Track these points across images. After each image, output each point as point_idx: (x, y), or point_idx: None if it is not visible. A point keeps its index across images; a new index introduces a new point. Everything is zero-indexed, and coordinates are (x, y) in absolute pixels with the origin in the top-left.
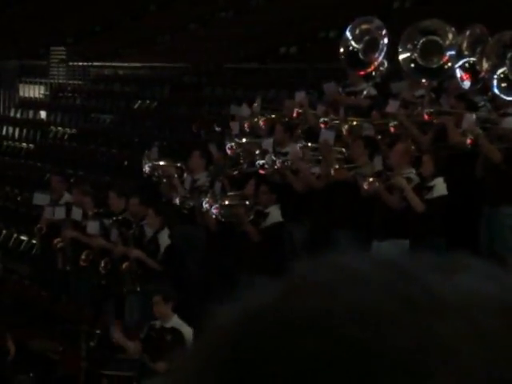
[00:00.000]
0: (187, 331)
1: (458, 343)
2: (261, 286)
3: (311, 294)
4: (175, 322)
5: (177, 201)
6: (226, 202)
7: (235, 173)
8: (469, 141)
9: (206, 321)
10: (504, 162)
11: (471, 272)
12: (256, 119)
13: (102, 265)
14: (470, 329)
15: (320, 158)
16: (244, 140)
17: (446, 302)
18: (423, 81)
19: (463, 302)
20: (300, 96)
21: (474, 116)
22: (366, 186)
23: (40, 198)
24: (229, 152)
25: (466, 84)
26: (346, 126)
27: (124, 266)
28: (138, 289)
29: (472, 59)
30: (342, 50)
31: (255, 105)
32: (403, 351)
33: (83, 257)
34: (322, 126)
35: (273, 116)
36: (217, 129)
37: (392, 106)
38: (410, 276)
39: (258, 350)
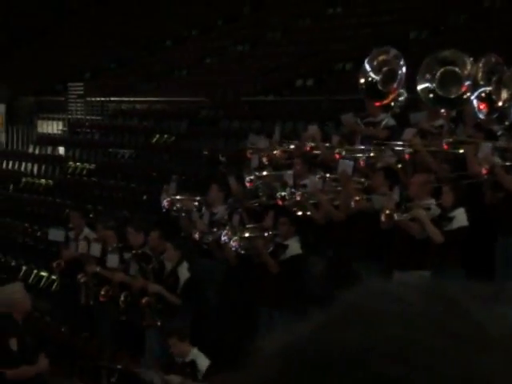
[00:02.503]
0: (202, 361)
1: (505, 376)
2: (308, 314)
3: (358, 327)
4: (194, 354)
5: (196, 236)
6: (245, 235)
7: (255, 205)
8: (484, 171)
9: (251, 350)
10: None
11: None
12: (275, 152)
13: (122, 299)
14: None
15: (339, 188)
16: (264, 173)
17: (491, 335)
18: (442, 111)
19: (508, 335)
20: (312, 129)
21: (490, 145)
22: (383, 219)
23: (55, 234)
24: (248, 185)
25: (483, 114)
26: (363, 157)
27: (144, 300)
28: (158, 323)
29: (488, 88)
30: (361, 81)
31: (274, 136)
32: None
33: (103, 292)
34: (337, 156)
35: (291, 148)
36: (221, 159)
37: (408, 134)
38: (457, 309)
39: (296, 382)
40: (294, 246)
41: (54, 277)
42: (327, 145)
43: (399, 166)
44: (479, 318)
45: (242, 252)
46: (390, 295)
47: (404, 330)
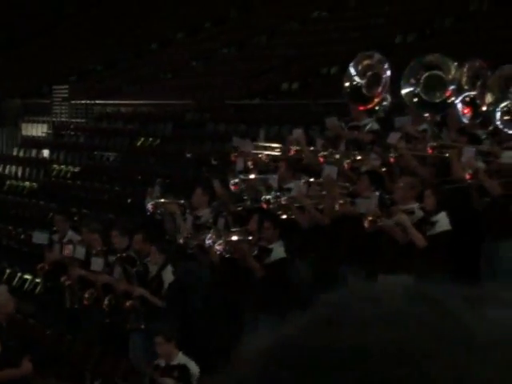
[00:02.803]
0: (193, 367)
1: (493, 378)
2: (288, 318)
3: (345, 329)
4: (181, 358)
5: (180, 240)
6: (230, 238)
7: (239, 209)
8: (468, 175)
9: (236, 351)
10: (503, 195)
11: (500, 304)
12: (260, 155)
13: (106, 302)
14: (503, 363)
15: (324, 193)
16: (251, 176)
17: (480, 337)
18: (426, 115)
19: (496, 337)
20: (297, 133)
21: (473, 150)
22: (366, 224)
23: (39, 237)
24: (233, 188)
25: (467, 118)
26: (348, 161)
27: (128, 303)
28: (142, 326)
29: (472, 93)
30: (345, 86)
31: (259, 140)
32: None
33: (87, 295)
34: (321, 159)
35: (276, 151)
36: (213, 162)
37: (392, 138)
38: (443, 311)
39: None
40: (278, 250)
41: (37, 280)
42: (312, 148)
43: (384, 169)
44: (464, 318)
45: (227, 255)
46: (375, 297)
47: (392, 332)
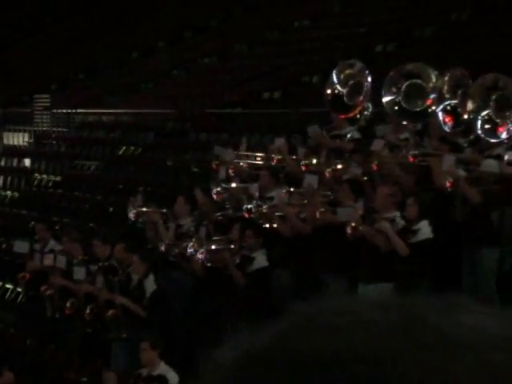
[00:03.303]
0: (173, 377)
1: (469, 380)
2: (260, 327)
3: (318, 335)
4: (162, 368)
5: (162, 248)
6: (212, 247)
7: (220, 217)
8: (448, 183)
9: (206, 361)
10: (483, 204)
11: (471, 311)
12: (241, 164)
13: (88, 311)
14: (478, 365)
15: (305, 202)
16: (231, 185)
17: (454, 339)
18: (407, 123)
19: (470, 340)
20: (279, 142)
21: (453, 158)
22: (349, 231)
23: (20, 246)
24: (215, 197)
25: (448, 127)
26: (329, 169)
27: (109, 312)
28: (124, 335)
29: (453, 102)
30: (326, 93)
31: (240, 148)
32: None
33: (68, 305)
34: (303, 168)
35: (258, 160)
36: (194, 169)
37: (376, 145)
38: (415, 316)
39: None
40: (260, 259)
41: (19, 289)
42: (294, 157)
43: (365, 178)
44: (437, 323)
45: (209, 264)
46: (348, 308)
47: (364, 336)
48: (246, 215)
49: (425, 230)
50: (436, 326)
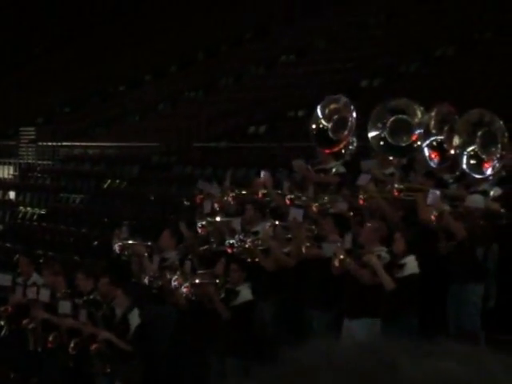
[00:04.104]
0: None
1: None
2: (249, 373)
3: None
4: None
5: (145, 280)
6: (197, 281)
7: (205, 251)
8: (433, 217)
9: None
10: (468, 239)
11: (446, 356)
12: (226, 198)
13: (72, 345)
14: None
15: (290, 236)
16: (216, 219)
17: None
18: (392, 158)
19: None
20: (264, 176)
21: (438, 193)
22: (336, 264)
23: (3, 279)
24: (200, 231)
25: (434, 162)
26: (315, 204)
27: (93, 347)
28: (108, 370)
29: (439, 137)
30: (311, 128)
31: (225, 182)
32: None
33: (51, 338)
34: (288, 202)
35: (243, 194)
36: (186, 203)
37: (363, 180)
38: (387, 364)
39: None
40: (245, 293)
41: (1, 322)
42: (279, 191)
43: (351, 213)
44: (405, 369)
45: (193, 298)
46: (327, 354)
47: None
48: (229, 250)
49: (411, 264)
50: (405, 375)
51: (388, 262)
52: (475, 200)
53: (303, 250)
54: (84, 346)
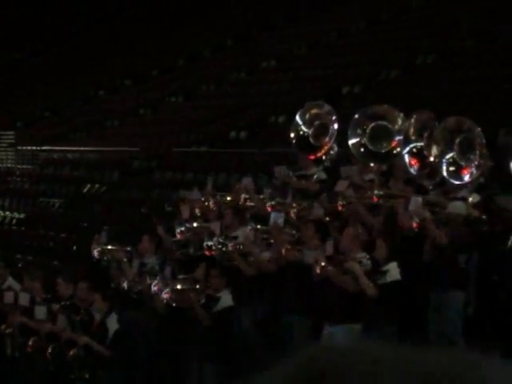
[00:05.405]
0: None
1: None
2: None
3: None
4: None
5: (125, 285)
6: (177, 287)
7: (182, 256)
8: (415, 224)
9: None
10: (450, 246)
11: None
12: (207, 203)
13: (50, 351)
14: None
15: (271, 241)
16: (194, 224)
17: None
18: (372, 165)
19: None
20: (246, 181)
21: (420, 199)
22: (318, 271)
23: None
24: (178, 236)
25: (414, 169)
26: (295, 210)
27: (71, 352)
28: (87, 376)
29: (419, 144)
30: (292, 134)
31: (207, 188)
32: None
33: (30, 343)
34: (269, 209)
35: (224, 200)
36: (168, 209)
37: (341, 186)
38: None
39: None
40: (225, 298)
41: None
42: (260, 197)
43: (327, 219)
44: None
45: (174, 304)
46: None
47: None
48: (207, 253)
49: (393, 271)
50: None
51: (370, 268)
52: (457, 207)
53: (283, 252)
54: (62, 352)
